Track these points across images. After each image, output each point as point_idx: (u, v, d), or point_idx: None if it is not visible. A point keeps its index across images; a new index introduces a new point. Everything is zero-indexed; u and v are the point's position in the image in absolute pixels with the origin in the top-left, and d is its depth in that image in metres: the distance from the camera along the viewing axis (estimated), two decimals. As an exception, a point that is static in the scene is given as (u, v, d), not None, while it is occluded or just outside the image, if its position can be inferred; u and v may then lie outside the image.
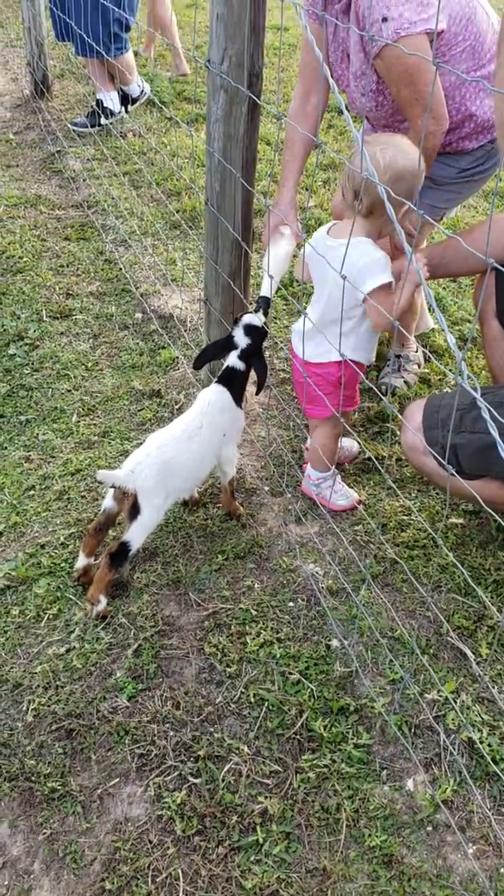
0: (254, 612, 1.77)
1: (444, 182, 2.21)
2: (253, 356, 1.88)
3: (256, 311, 1.91)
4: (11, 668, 1.65)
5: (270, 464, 2.18)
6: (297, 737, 1.54)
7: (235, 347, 1.88)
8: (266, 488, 2.11)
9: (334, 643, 1.71)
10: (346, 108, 1.55)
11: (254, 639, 1.71)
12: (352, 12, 1.94)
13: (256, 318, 1.88)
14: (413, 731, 1.56)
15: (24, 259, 3.11)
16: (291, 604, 1.80)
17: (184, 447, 1.77)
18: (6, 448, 2.23)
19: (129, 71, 4.24)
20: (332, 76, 2.14)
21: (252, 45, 1.85)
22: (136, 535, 1.73)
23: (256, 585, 1.84)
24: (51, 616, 1.76)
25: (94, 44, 3.87)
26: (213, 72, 1.90)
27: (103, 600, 1.75)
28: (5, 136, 4.31)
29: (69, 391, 2.44)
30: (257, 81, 1.90)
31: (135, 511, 1.71)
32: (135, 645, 1.70)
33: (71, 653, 1.68)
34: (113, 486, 1.72)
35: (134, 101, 4.43)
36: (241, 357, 1.87)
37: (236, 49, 1.84)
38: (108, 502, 1.76)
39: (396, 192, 1.57)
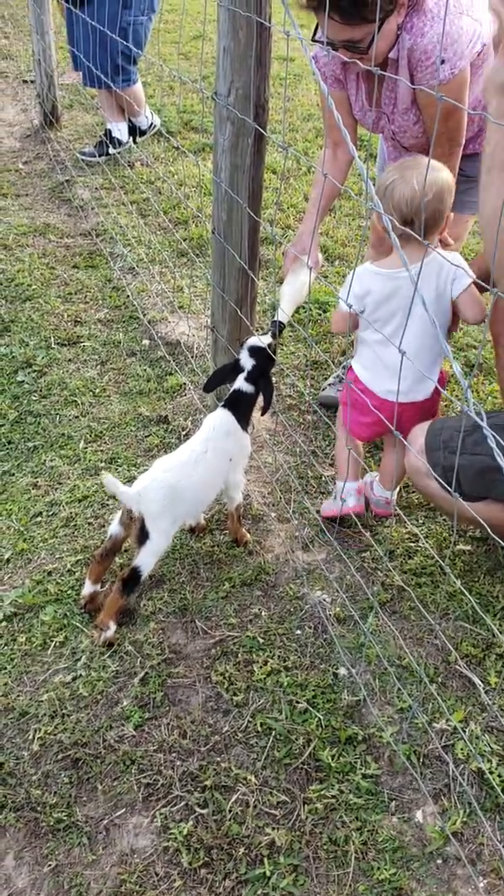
0: (261, 640, 1.76)
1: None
2: (259, 378, 1.89)
3: (265, 333, 1.92)
4: (18, 696, 1.65)
5: (277, 490, 2.18)
6: (305, 767, 1.53)
7: (242, 370, 1.89)
8: (273, 514, 2.11)
9: (342, 671, 1.70)
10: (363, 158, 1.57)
11: (261, 667, 1.70)
12: (401, 65, 1.99)
13: (261, 340, 1.89)
14: (422, 761, 1.54)
15: (33, 287, 3.14)
16: (299, 631, 1.79)
17: (190, 471, 1.77)
18: (14, 474, 2.24)
19: (138, 103, 4.30)
20: (360, 121, 2.26)
21: (258, 78, 1.89)
22: (147, 559, 1.73)
23: (263, 613, 1.83)
24: (57, 643, 1.76)
25: (101, 75, 3.94)
26: (219, 104, 1.93)
27: (112, 626, 1.74)
28: (15, 166, 4.37)
29: (77, 417, 2.46)
30: (263, 113, 1.94)
31: (143, 536, 1.71)
32: (141, 673, 1.69)
33: (77, 681, 1.67)
34: (120, 508, 1.73)
35: (143, 132, 4.50)
36: (247, 379, 1.88)
37: (243, 81, 1.87)
38: (114, 528, 1.76)
39: (446, 206, 1.77)
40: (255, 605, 1.85)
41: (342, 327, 1.96)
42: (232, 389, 1.90)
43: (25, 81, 5.91)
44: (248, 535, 2.01)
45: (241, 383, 1.89)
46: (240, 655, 1.73)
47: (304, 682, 1.67)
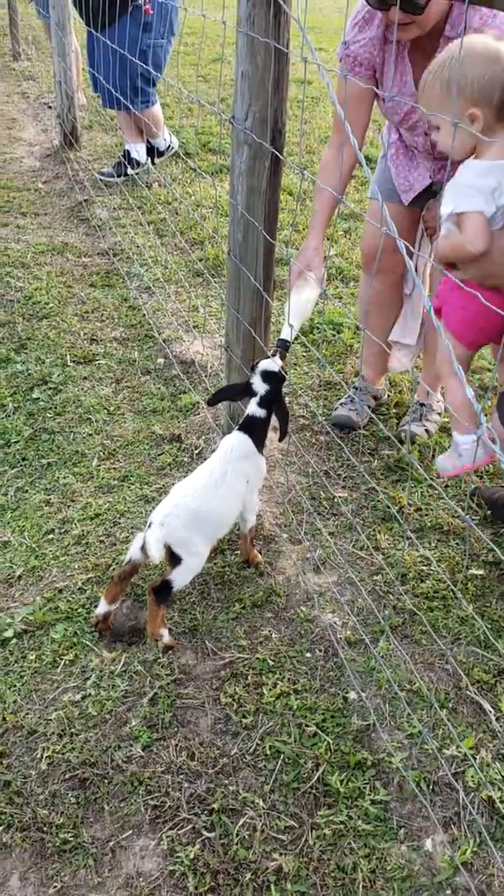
0: (271, 663, 1.75)
1: None
2: (273, 402, 1.89)
3: (274, 354, 1.92)
4: (27, 714, 1.65)
5: (289, 511, 2.18)
6: (313, 791, 1.51)
7: (254, 394, 1.89)
8: (284, 536, 2.10)
9: (352, 695, 1.69)
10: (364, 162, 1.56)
11: (270, 689, 1.69)
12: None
13: (274, 364, 1.88)
14: (431, 787, 1.53)
15: (50, 305, 3.17)
16: (309, 654, 1.78)
17: (210, 495, 1.77)
18: (27, 491, 2.25)
19: (156, 124, 4.36)
20: (387, 113, 2.17)
21: (275, 102, 1.91)
22: (180, 577, 1.74)
23: (274, 635, 1.82)
24: (67, 662, 1.76)
25: (119, 97, 4.00)
26: (237, 128, 1.95)
27: (165, 633, 1.76)
28: (34, 185, 4.43)
29: (90, 435, 2.47)
30: (280, 137, 1.96)
31: (174, 560, 1.72)
32: (150, 693, 1.68)
33: (86, 700, 1.67)
34: (145, 533, 1.73)
35: (160, 153, 4.55)
36: (260, 404, 1.88)
37: (260, 105, 1.90)
38: (134, 552, 1.75)
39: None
40: (266, 627, 1.85)
41: (487, 236, 1.62)
42: (246, 414, 1.90)
43: (45, 104, 6.01)
44: (260, 556, 2.01)
45: (254, 408, 1.88)
46: (249, 677, 1.72)
47: (314, 706, 1.66)
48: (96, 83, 4.26)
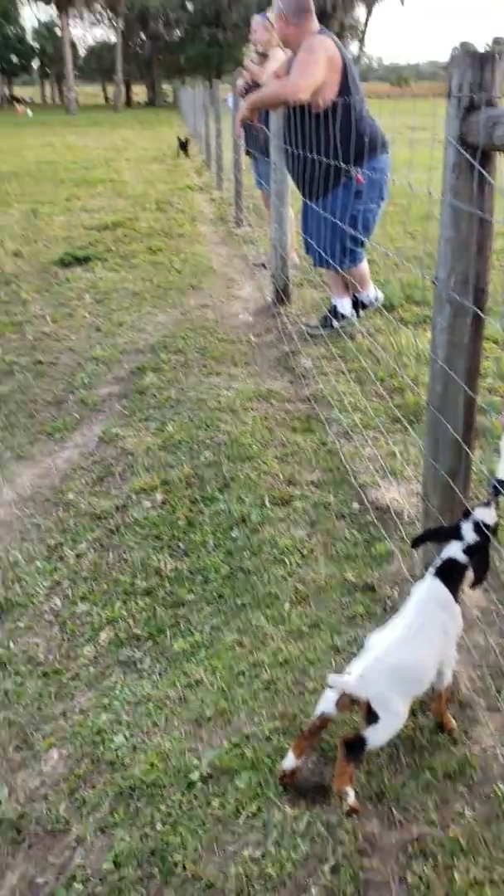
0: (463, 844, 1.61)
1: None
2: (477, 552, 1.82)
3: (488, 504, 1.86)
4: (207, 864, 1.62)
5: (487, 675, 2.04)
6: None
7: (461, 539, 1.84)
8: (482, 702, 1.97)
9: None
10: None
11: (462, 875, 1.54)
12: None
13: (489, 515, 1.83)
14: None
15: (253, 447, 3.34)
16: (507, 840, 1.62)
17: (410, 648, 1.72)
18: (221, 630, 2.30)
19: (362, 282, 4.60)
20: None
21: (478, 264, 1.97)
22: (376, 737, 1.66)
23: (467, 812, 1.68)
24: (250, 814, 1.72)
25: (329, 259, 4.29)
26: (439, 287, 2.02)
27: (350, 793, 1.67)
28: (247, 338, 4.79)
29: (284, 577, 2.51)
30: (482, 295, 2.00)
31: (372, 718, 1.65)
32: (332, 861, 1.60)
33: (266, 858, 1.62)
34: (337, 692, 1.68)
35: (365, 307, 4.77)
36: (465, 551, 1.82)
37: (462, 268, 1.96)
38: (327, 707, 1.70)
39: None
40: (458, 801, 1.71)
41: None
42: (445, 558, 1.85)
43: (256, 265, 6.57)
44: (454, 721, 1.89)
45: (457, 553, 1.83)
46: (439, 858, 1.59)
47: (513, 903, 1.49)
48: (308, 246, 4.61)
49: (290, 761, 1.75)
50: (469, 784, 1.75)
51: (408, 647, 1.71)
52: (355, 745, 1.66)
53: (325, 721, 1.72)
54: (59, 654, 2.29)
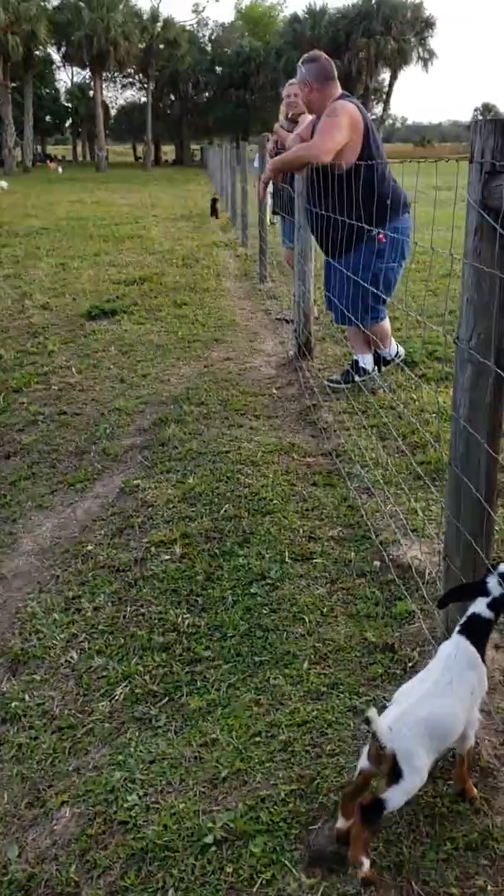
0: (486, 921, 1.55)
1: None
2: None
3: None
4: (217, 935, 1.57)
5: (510, 741, 2.00)
6: None
7: (487, 595, 1.81)
8: (504, 769, 1.92)
9: None
10: None
11: None
12: None
13: None
14: None
15: (274, 501, 3.34)
16: (531, 918, 1.56)
17: (439, 703, 1.68)
18: (238, 688, 2.27)
19: (383, 338, 4.64)
20: None
21: (501, 324, 1.98)
22: (396, 797, 1.62)
23: (490, 888, 1.62)
24: (264, 881, 1.67)
25: (351, 316, 4.34)
26: (461, 347, 2.04)
27: (366, 863, 1.62)
28: (269, 391, 4.83)
29: (303, 636, 2.48)
30: (504, 356, 2.01)
31: (396, 774, 1.61)
32: (348, 935, 1.54)
33: (280, 930, 1.57)
34: (371, 741, 1.64)
35: (387, 362, 4.81)
36: (490, 606, 1.79)
37: (485, 328, 1.98)
38: (363, 763, 1.66)
39: None
40: (481, 875, 1.65)
41: None
42: (470, 613, 1.82)
43: (279, 320, 6.66)
44: (475, 789, 1.83)
45: (481, 608, 1.80)
46: (460, 935, 1.53)
47: None
48: (330, 303, 4.67)
49: (341, 822, 1.71)
50: (491, 857, 1.69)
51: (437, 702, 1.68)
52: (373, 809, 1.61)
53: (366, 778, 1.67)
54: (74, 709, 2.27)
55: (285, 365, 5.40)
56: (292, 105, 6.03)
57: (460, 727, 1.74)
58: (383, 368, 4.82)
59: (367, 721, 1.61)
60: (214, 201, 17.37)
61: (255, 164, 9.89)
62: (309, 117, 5.88)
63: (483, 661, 1.79)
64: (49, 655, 2.51)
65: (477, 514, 2.10)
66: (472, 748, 1.81)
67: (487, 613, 1.80)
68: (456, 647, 1.78)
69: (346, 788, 1.73)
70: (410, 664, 2.28)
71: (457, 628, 1.83)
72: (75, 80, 67.09)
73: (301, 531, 3.11)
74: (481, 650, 1.79)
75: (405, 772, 1.61)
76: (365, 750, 1.67)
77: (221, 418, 4.38)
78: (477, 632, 1.80)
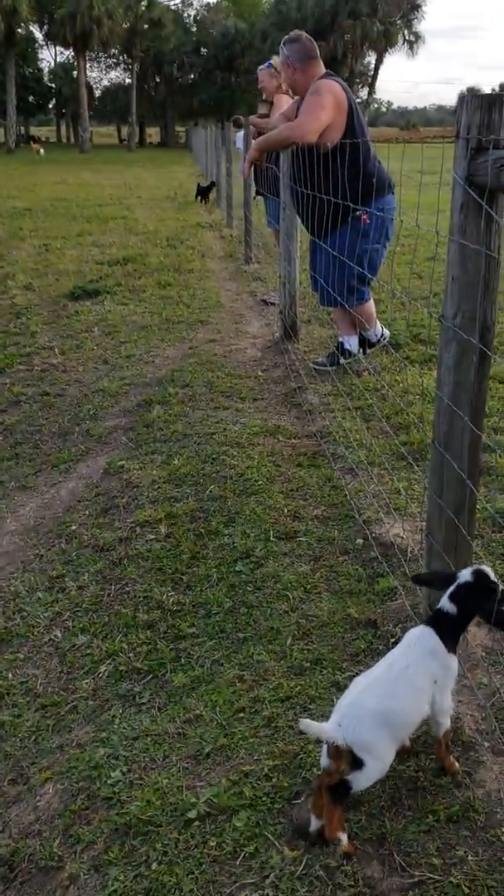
0: (466, 890, 1.57)
1: None
2: (469, 604, 1.77)
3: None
4: (201, 907, 1.58)
5: (492, 717, 2.01)
6: None
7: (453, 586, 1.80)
8: (486, 744, 1.93)
9: None
10: None
11: (465, 923, 1.50)
12: None
13: (490, 572, 1.77)
14: None
15: (259, 482, 3.34)
16: (511, 887, 1.58)
17: (389, 692, 1.67)
18: (222, 665, 2.28)
19: (369, 319, 4.64)
20: None
21: (486, 303, 1.98)
22: (360, 781, 1.63)
23: (470, 858, 1.64)
24: (247, 854, 1.68)
25: (336, 296, 4.33)
26: (445, 325, 2.04)
27: (343, 837, 1.63)
28: (255, 373, 4.82)
29: (286, 612, 2.49)
30: (489, 333, 2.01)
31: (357, 763, 1.61)
32: (331, 905, 1.56)
33: (263, 902, 1.58)
34: (325, 742, 1.64)
35: (372, 345, 4.81)
36: (451, 598, 1.78)
37: (470, 306, 1.98)
38: (324, 761, 1.65)
39: None
40: (461, 846, 1.67)
41: None
42: (437, 607, 1.82)
43: (264, 302, 6.64)
44: (457, 764, 1.85)
45: (444, 601, 1.79)
46: (441, 904, 1.54)
47: None
48: (316, 283, 4.66)
49: (314, 824, 1.69)
50: (472, 829, 1.71)
51: (387, 691, 1.67)
52: (339, 790, 1.62)
53: (330, 775, 1.65)
54: (58, 687, 2.27)
55: (271, 347, 5.39)
56: (264, 89, 6.30)
57: (417, 715, 1.73)
58: (368, 351, 4.81)
59: (303, 730, 1.61)
60: (211, 186, 15.78)
61: (238, 144, 9.80)
62: (283, 98, 5.90)
63: (452, 651, 1.77)
64: (33, 634, 2.51)
65: (459, 492, 2.11)
66: (448, 731, 1.81)
67: (449, 607, 1.78)
68: (419, 635, 1.77)
69: (314, 785, 1.73)
70: (393, 640, 2.30)
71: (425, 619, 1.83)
72: (59, 60, 66.25)
73: (285, 511, 3.11)
74: (449, 642, 1.76)
75: (366, 760, 1.61)
76: (324, 748, 1.66)
77: (207, 400, 4.37)
78: (442, 624, 1.78)
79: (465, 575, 1.79)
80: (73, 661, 2.37)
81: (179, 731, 2.05)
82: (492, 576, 1.78)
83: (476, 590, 1.77)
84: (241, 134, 10.31)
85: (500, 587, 1.76)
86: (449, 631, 1.78)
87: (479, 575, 1.78)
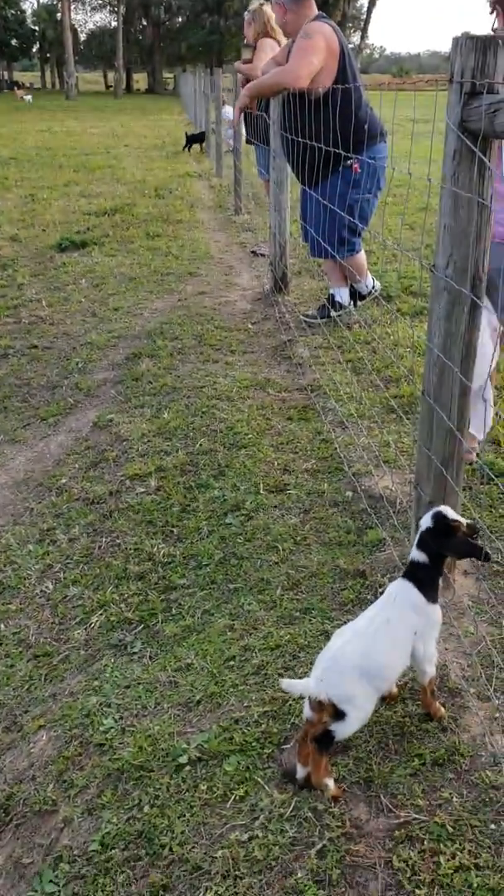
0: (450, 829, 1.61)
1: None
2: (437, 548, 1.78)
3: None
4: (193, 847, 1.62)
5: (477, 664, 2.05)
6: None
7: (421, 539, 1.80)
8: (471, 690, 1.97)
9: (543, 883, 1.50)
10: None
11: (448, 860, 1.55)
12: None
13: (449, 513, 1.78)
14: None
15: (249, 435, 3.33)
16: (493, 826, 1.62)
17: (370, 645, 1.69)
18: (213, 614, 2.30)
19: (360, 271, 4.59)
20: None
21: (477, 252, 1.96)
22: (343, 730, 1.66)
23: (455, 799, 1.68)
24: (237, 797, 1.72)
25: (327, 247, 4.27)
26: (437, 275, 2.01)
27: (330, 783, 1.68)
28: (245, 326, 4.77)
29: (276, 563, 2.51)
30: (480, 283, 1.99)
31: (339, 715, 1.63)
32: (319, 845, 1.60)
33: (253, 841, 1.62)
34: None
35: (363, 297, 4.76)
36: (419, 546, 1.79)
37: (461, 255, 1.95)
38: (307, 713, 1.68)
39: None
40: (446, 788, 1.71)
41: None
42: (410, 559, 1.82)
43: (254, 253, 6.56)
44: (443, 710, 1.89)
45: (413, 551, 1.80)
46: (426, 843, 1.59)
47: (498, 888, 1.49)
48: (307, 234, 4.59)
49: (300, 771, 1.72)
50: (457, 771, 1.76)
51: (368, 644, 1.69)
52: (324, 739, 1.65)
53: (313, 725, 1.68)
54: (50, 637, 2.30)
55: (261, 299, 5.33)
56: (245, 36, 6.23)
57: (399, 667, 1.75)
58: (359, 303, 4.77)
59: (285, 690, 1.63)
60: (201, 135, 15.36)
61: (227, 115, 9.68)
62: (267, 42, 5.75)
63: (433, 601, 1.78)
64: (24, 585, 2.53)
65: (448, 443, 2.11)
66: (433, 678, 1.84)
67: (420, 557, 1.78)
68: (398, 588, 1.78)
69: (299, 735, 1.76)
70: (381, 590, 2.32)
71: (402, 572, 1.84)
72: (42, 0, 64.09)
73: (275, 464, 3.12)
74: (428, 591, 1.77)
75: (347, 710, 1.64)
76: (307, 700, 1.68)
77: (196, 353, 4.34)
78: (418, 574, 1.79)
79: (426, 521, 1.80)
80: (65, 612, 2.39)
81: (171, 680, 2.08)
82: (451, 514, 1.79)
83: (438, 532, 1.78)
84: (228, 108, 10.13)
85: (464, 522, 1.78)
86: (425, 580, 1.78)
87: (438, 517, 1.79)
